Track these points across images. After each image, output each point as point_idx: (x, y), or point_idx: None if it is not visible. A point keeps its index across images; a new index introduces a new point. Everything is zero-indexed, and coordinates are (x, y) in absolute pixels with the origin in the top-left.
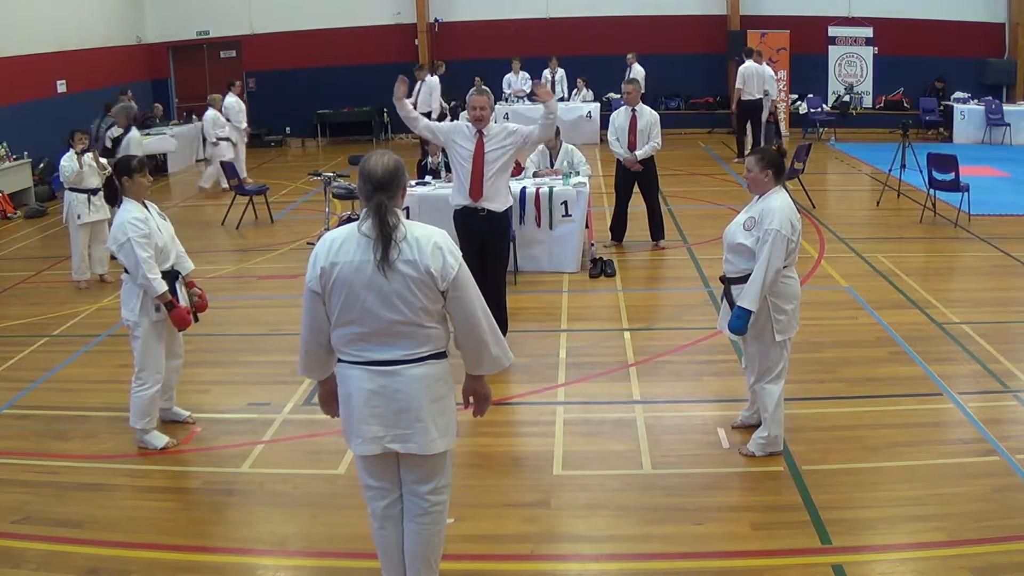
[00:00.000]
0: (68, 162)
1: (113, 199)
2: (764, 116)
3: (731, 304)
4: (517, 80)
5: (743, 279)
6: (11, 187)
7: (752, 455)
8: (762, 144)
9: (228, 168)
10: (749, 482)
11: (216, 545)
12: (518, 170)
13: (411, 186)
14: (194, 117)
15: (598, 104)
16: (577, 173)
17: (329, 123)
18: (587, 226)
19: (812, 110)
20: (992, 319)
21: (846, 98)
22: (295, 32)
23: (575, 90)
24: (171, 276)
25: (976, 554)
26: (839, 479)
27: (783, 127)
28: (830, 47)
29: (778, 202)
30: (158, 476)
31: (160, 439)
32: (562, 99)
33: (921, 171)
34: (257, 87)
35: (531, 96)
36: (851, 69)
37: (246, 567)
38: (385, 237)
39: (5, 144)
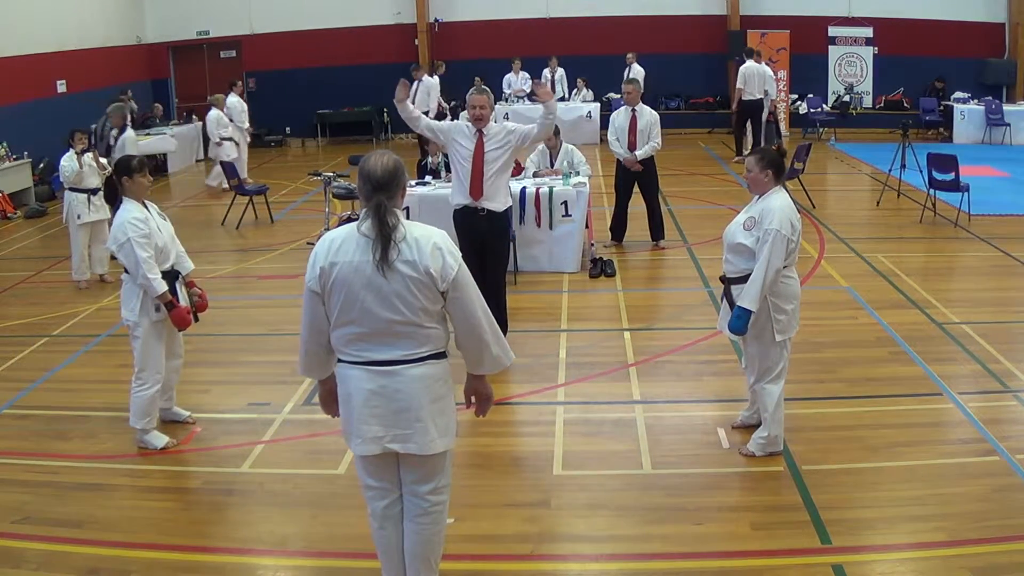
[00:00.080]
0: (68, 162)
1: (113, 199)
2: (764, 116)
3: (731, 304)
4: (517, 80)
5: (743, 279)
6: (11, 187)
7: (752, 455)
8: (762, 144)
9: (228, 168)
10: (749, 482)
11: (216, 545)
12: (518, 170)
13: (411, 186)
14: (194, 117)
15: (598, 104)
16: (577, 173)
17: (329, 123)
18: (587, 226)
19: (812, 110)
20: (992, 319)
21: (846, 98)
22: (295, 32)
23: (575, 90)
24: (171, 276)
25: (976, 554)
26: (839, 479)
27: (783, 127)
28: (830, 47)
29: (778, 202)
30: (158, 476)
31: (160, 439)
32: (562, 99)
33: (921, 171)
34: (257, 87)
35: (531, 96)
36: (851, 69)
37: (246, 567)
38: (384, 237)
39: (5, 144)
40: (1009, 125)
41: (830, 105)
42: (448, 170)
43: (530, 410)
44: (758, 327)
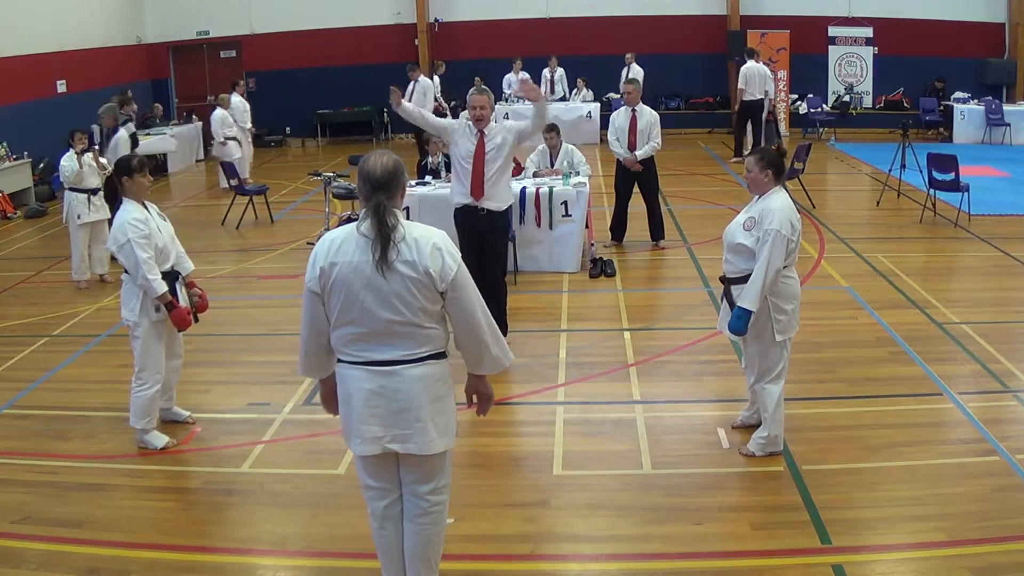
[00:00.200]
0: (68, 162)
1: (114, 199)
2: (763, 116)
3: (731, 304)
4: (517, 80)
5: (743, 279)
6: (11, 187)
7: (752, 455)
8: (763, 144)
9: (228, 168)
10: (749, 482)
11: (216, 545)
12: (518, 170)
13: (411, 186)
14: (194, 117)
15: (598, 104)
16: (577, 173)
17: (329, 123)
18: (587, 226)
19: (812, 110)
20: (992, 319)
21: (846, 98)
22: (295, 32)
23: (575, 90)
24: (171, 276)
25: (976, 554)
26: (839, 479)
27: (783, 127)
28: (830, 47)
29: (778, 202)
30: (158, 476)
31: (160, 439)
32: (562, 99)
33: (921, 171)
34: (257, 87)
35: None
36: (851, 69)
37: (246, 567)
38: (384, 237)
39: (5, 144)
40: (1009, 125)
41: (830, 105)
42: (448, 170)
43: (530, 410)
44: (758, 327)
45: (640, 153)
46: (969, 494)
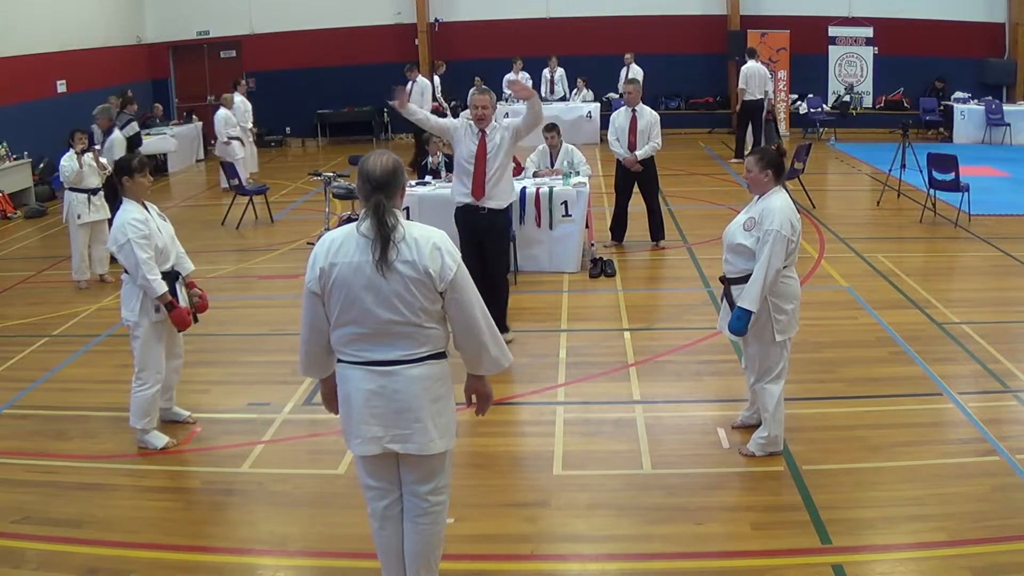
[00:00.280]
0: (68, 162)
1: (114, 199)
2: (763, 115)
3: (731, 304)
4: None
5: (743, 279)
6: (11, 187)
7: (752, 455)
8: (763, 144)
9: (228, 168)
10: (749, 482)
11: (216, 545)
12: (518, 170)
13: (411, 186)
14: (194, 117)
15: (598, 104)
16: (577, 173)
17: (329, 123)
18: (587, 226)
19: (812, 110)
20: (992, 319)
21: (846, 98)
22: (295, 32)
23: (575, 90)
24: (171, 277)
25: (976, 554)
26: (839, 479)
27: (782, 127)
28: (830, 47)
29: (778, 202)
30: (158, 476)
31: (160, 439)
32: (562, 99)
33: (921, 171)
34: (257, 87)
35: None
36: (851, 69)
37: (246, 567)
38: (383, 237)
39: (5, 144)
40: (1009, 125)
41: (830, 105)
42: (448, 170)
43: (530, 410)
44: (758, 327)
45: (640, 153)
46: (969, 494)
